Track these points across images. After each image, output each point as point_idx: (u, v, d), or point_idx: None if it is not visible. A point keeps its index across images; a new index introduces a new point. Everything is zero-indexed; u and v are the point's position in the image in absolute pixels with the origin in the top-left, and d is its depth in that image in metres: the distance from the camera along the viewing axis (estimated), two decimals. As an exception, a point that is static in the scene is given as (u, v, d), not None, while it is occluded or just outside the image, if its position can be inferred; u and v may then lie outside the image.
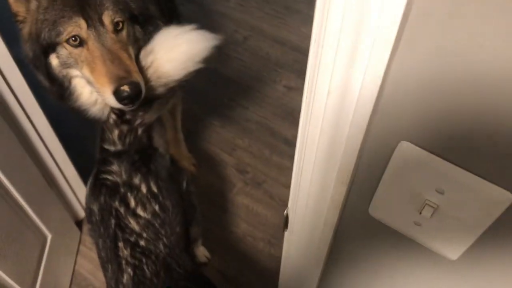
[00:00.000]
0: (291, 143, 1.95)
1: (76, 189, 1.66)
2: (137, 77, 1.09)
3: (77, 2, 1.06)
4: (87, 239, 1.70)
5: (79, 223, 1.72)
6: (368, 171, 0.53)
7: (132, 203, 1.11)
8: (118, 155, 1.18)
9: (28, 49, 1.15)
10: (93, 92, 1.19)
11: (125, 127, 1.20)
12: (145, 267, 1.05)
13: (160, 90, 1.19)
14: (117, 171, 1.15)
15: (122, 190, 1.12)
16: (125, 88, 1.06)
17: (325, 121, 0.50)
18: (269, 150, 1.94)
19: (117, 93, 1.06)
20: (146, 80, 1.16)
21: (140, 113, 1.19)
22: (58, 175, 1.54)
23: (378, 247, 0.65)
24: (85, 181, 1.67)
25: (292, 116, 2.03)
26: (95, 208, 1.14)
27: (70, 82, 1.19)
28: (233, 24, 2.44)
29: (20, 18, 1.12)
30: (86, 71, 1.11)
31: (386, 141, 0.49)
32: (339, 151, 0.52)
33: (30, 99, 1.32)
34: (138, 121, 1.21)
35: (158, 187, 1.14)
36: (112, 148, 1.22)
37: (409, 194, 0.52)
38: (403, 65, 0.41)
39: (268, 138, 1.98)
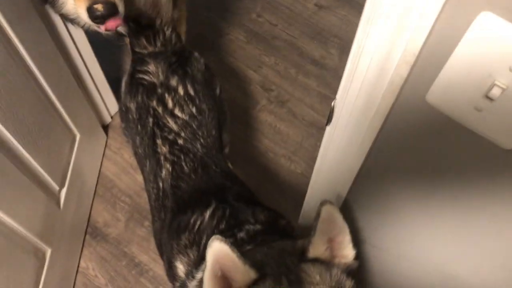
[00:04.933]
0: (317, 64, 1.92)
1: (104, 94, 1.67)
2: None
3: None
4: (113, 144, 1.73)
5: (105, 128, 1.74)
6: (437, 49, 0.52)
7: (170, 104, 1.13)
8: (154, 55, 1.18)
9: None
10: None
11: (149, 32, 1.20)
12: (183, 164, 1.08)
13: None
14: (153, 72, 1.16)
15: (159, 90, 1.13)
16: (99, 7, 1.03)
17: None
18: (296, 70, 1.91)
19: (90, 11, 1.04)
20: None
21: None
22: (87, 77, 1.54)
23: (428, 137, 0.65)
24: (112, 88, 1.67)
25: (320, 35, 1.98)
26: (132, 106, 1.15)
27: None
28: None
29: None
30: None
31: (463, 13, 0.47)
32: (410, 25, 0.50)
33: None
34: (158, 22, 1.20)
35: (195, 90, 1.16)
36: (144, 51, 1.22)
37: (478, 74, 0.51)
38: None
39: (295, 57, 1.94)
